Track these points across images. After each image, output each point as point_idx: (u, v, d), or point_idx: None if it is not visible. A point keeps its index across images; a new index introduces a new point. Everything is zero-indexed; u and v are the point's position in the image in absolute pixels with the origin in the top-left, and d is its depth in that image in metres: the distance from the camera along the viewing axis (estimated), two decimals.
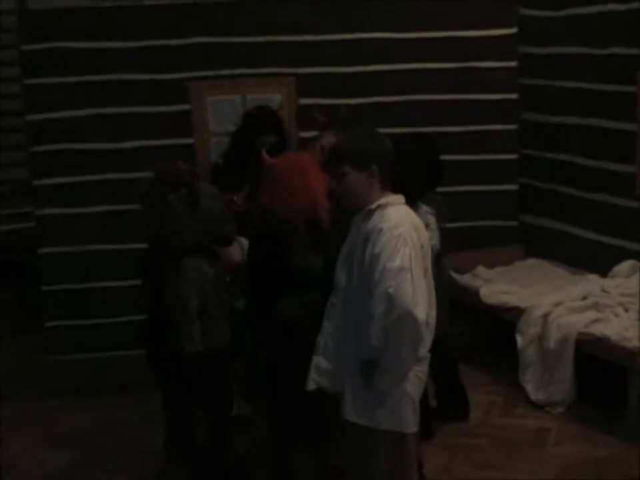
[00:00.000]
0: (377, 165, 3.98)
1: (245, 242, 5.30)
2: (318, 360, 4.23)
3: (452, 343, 6.01)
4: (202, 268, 4.92)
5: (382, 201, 3.99)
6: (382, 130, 4.35)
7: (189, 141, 7.27)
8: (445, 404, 6.23)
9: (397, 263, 3.79)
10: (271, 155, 5.22)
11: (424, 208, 5.39)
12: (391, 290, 3.76)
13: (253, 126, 6.14)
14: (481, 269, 7.50)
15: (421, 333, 3.85)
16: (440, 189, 6.02)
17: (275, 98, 7.07)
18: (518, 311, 6.69)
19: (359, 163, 3.96)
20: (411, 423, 4.06)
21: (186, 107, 7.25)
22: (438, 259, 5.28)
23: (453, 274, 7.31)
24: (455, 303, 6.32)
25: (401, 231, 3.86)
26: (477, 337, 7.36)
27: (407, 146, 5.31)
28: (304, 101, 7.27)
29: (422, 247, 4.01)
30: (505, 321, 6.86)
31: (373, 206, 3.98)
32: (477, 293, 7.10)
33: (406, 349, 3.86)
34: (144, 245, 5.44)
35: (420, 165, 5.50)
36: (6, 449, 6.06)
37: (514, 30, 7.62)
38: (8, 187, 9.51)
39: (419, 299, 3.82)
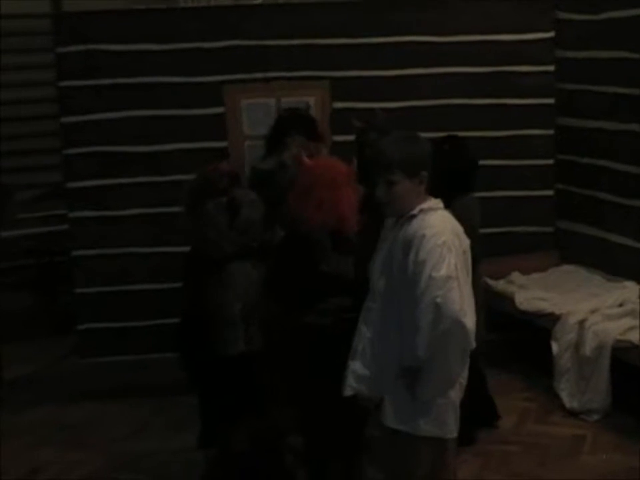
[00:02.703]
0: (426, 171, 3.93)
1: None
2: (355, 365, 4.16)
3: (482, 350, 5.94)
4: (247, 271, 4.88)
5: (423, 205, 3.94)
6: None
7: (223, 144, 7.25)
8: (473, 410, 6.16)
9: (443, 272, 3.74)
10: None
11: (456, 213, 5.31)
12: (438, 300, 3.72)
13: (283, 128, 6.12)
14: (516, 275, 7.42)
15: (470, 341, 3.81)
16: (476, 194, 5.96)
17: (309, 101, 7.04)
18: (553, 318, 6.62)
19: (410, 169, 3.90)
20: (452, 429, 4.03)
21: (220, 110, 7.25)
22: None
23: (488, 280, 7.25)
24: (490, 309, 6.24)
25: (445, 238, 3.81)
26: (512, 344, 7.29)
27: (439, 150, 5.25)
28: (338, 104, 7.23)
29: (464, 252, 3.95)
30: (540, 327, 6.78)
31: (415, 211, 3.92)
32: (512, 299, 7.02)
33: (454, 358, 3.83)
34: (177, 248, 5.41)
35: (451, 168, 5.45)
36: (37, 453, 6.07)
37: (551, 34, 7.56)
38: (42, 190, 9.54)
39: (467, 307, 3.78)
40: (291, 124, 6.01)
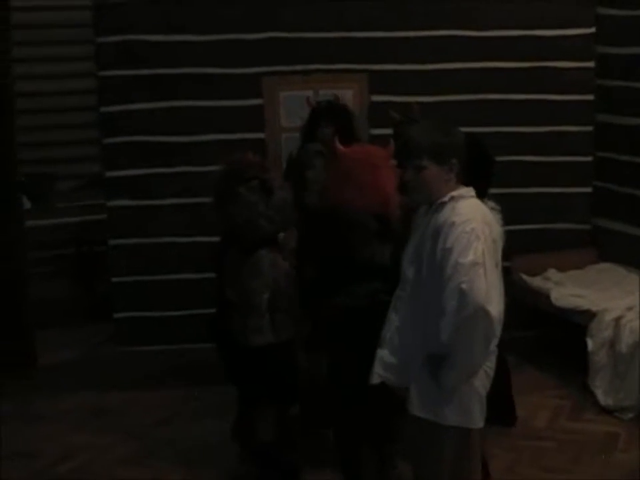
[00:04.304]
0: (456, 159, 3.93)
1: None
2: (383, 353, 4.15)
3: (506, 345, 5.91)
4: (276, 262, 4.90)
5: (454, 193, 3.92)
6: None
7: (260, 135, 7.29)
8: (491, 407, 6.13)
9: (469, 258, 3.72)
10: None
11: (490, 204, 5.30)
12: (464, 286, 3.70)
13: (315, 118, 6.16)
14: (552, 272, 7.39)
15: (494, 329, 3.78)
16: (513, 190, 5.94)
17: (346, 94, 7.05)
18: (589, 314, 6.57)
19: (439, 156, 3.89)
20: (477, 419, 4.00)
21: (258, 101, 7.29)
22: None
23: (524, 276, 7.23)
24: (526, 305, 6.24)
25: (473, 225, 3.79)
26: (547, 340, 7.26)
27: (480, 140, 5.24)
28: (376, 98, 7.24)
29: (493, 241, 3.94)
30: (575, 324, 6.74)
31: (446, 198, 3.92)
32: (547, 296, 6.99)
33: (478, 346, 3.79)
34: (213, 238, 5.43)
35: (492, 160, 5.44)
36: (72, 437, 6.13)
37: (591, 29, 7.51)
38: (82, 181, 9.63)
39: (492, 295, 3.75)
40: (324, 115, 6.04)
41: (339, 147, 4.90)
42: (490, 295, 3.72)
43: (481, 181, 5.51)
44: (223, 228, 5.23)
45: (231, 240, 5.04)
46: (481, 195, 4.20)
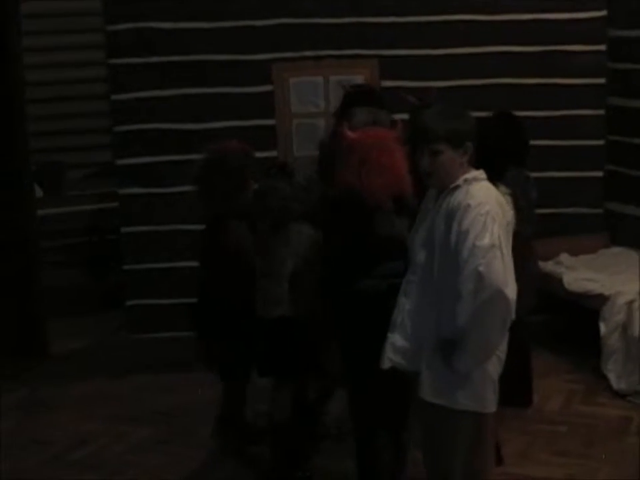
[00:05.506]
0: (470, 142, 3.92)
1: None
2: (394, 338, 4.15)
3: (528, 329, 5.90)
4: (303, 231, 4.93)
5: (467, 176, 3.92)
6: None
7: (271, 122, 7.27)
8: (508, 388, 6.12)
9: (486, 240, 3.72)
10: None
11: (501, 188, 5.29)
12: (481, 268, 3.69)
13: (347, 103, 6.12)
14: (564, 257, 7.37)
15: (511, 312, 3.78)
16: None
17: (357, 80, 7.01)
18: (602, 299, 6.57)
19: (455, 140, 3.90)
20: (490, 403, 4.00)
21: (268, 88, 7.27)
22: (521, 240, 5.17)
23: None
24: (538, 289, 6.18)
25: (488, 208, 3.80)
26: (560, 325, 7.25)
27: (492, 124, 5.23)
28: (387, 83, 7.21)
29: (507, 224, 3.94)
30: (588, 308, 6.73)
31: (459, 182, 3.91)
32: (560, 280, 6.98)
33: (494, 328, 3.80)
34: None
35: (504, 143, 5.43)
36: (85, 424, 6.16)
37: (603, 13, 7.46)
38: (93, 169, 9.65)
39: (508, 277, 3.75)
40: (357, 99, 6.00)
41: (349, 132, 4.89)
42: (506, 277, 3.73)
43: (498, 163, 5.54)
44: (208, 214, 5.26)
45: (252, 223, 5.08)
46: (496, 177, 4.19)
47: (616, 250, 7.61)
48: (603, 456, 5.45)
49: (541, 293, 6.41)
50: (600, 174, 7.73)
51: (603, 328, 6.44)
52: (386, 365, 4.18)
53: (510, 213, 4.06)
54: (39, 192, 8.45)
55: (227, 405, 5.53)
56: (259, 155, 5.53)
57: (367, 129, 4.96)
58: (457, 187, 3.90)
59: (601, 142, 7.68)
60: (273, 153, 7.15)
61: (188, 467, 5.54)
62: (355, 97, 6.04)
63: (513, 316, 3.82)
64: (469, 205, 3.80)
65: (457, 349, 3.82)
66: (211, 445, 5.65)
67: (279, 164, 4.99)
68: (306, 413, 5.26)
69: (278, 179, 5.00)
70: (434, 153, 3.90)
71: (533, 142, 6.19)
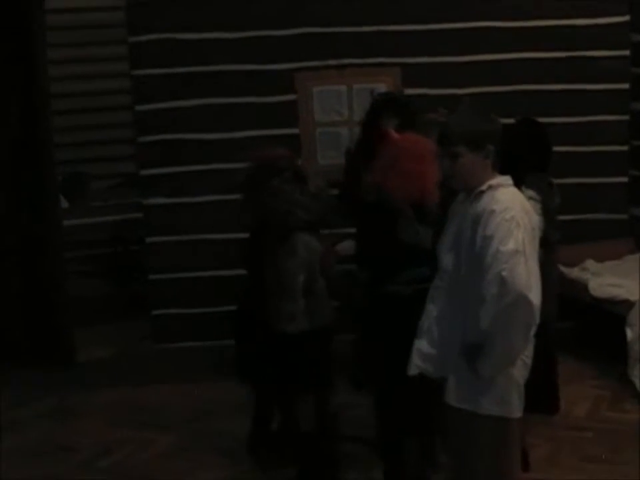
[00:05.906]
0: (493, 146, 3.92)
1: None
2: (421, 344, 4.14)
3: (555, 334, 5.88)
4: (311, 244, 4.93)
5: (492, 181, 3.91)
6: None
7: (294, 131, 7.30)
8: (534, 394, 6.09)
9: (510, 245, 3.71)
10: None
11: (528, 193, 5.28)
12: (504, 273, 3.68)
13: (376, 110, 6.12)
14: (589, 262, 7.34)
15: (535, 317, 3.76)
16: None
17: (380, 88, 7.03)
18: (628, 304, 6.54)
19: (475, 143, 3.89)
20: (515, 409, 3.97)
21: (292, 97, 7.30)
22: (547, 246, 5.16)
23: (562, 267, 7.17)
24: (564, 296, 6.16)
25: (513, 213, 3.79)
26: (586, 331, 7.21)
27: (515, 130, 5.22)
28: (409, 91, 7.20)
29: (532, 229, 3.93)
30: (614, 314, 6.70)
31: (484, 187, 3.91)
32: (585, 286, 6.96)
33: (518, 333, 3.77)
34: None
35: (527, 149, 5.42)
36: (111, 432, 6.18)
37: (626, 18, 7.45)
38: (117, 180, 9.70)
39: (532, 282, 3.74)
40: (386, 107, 6.00)
41: (394, 134, 4.92)
42: (530, 282, 3.71)
43: (521, 169, 5.52)
44: (254, 221, 5.26)
45: (266, 229, 5.06)
46: (518, 183, 4.18)
47: None
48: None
49: (566, 299, 6.41)
50: (624, 179, 7.71)
51: (629, 334, 6.41)
52: (413, 371, 4.17)
53: (536, 219, 4.04)
54: (64, 203, 8.50)
55: (259, 418, 5.54)
56: None
57: (410, 135, 4.99)
58: (483, 192, 3.90)
59: (624, 147, 7.66)
60: (297, 162, 7.16)
61: (213, 474, 5.54)
62: (383, 105, 6.06)
63: (538, 321, 3.81)
64: (493, 211, 3.80)
65: (481, 353, 3.82)
66: (236, 453, 5.68)
67: (294, 168, 4.97)
68: (330, 422, 5.26)
69: (289, 182, 5.00)
70: (453, 156, 3.91)
71: (556, 148, 6.18)
